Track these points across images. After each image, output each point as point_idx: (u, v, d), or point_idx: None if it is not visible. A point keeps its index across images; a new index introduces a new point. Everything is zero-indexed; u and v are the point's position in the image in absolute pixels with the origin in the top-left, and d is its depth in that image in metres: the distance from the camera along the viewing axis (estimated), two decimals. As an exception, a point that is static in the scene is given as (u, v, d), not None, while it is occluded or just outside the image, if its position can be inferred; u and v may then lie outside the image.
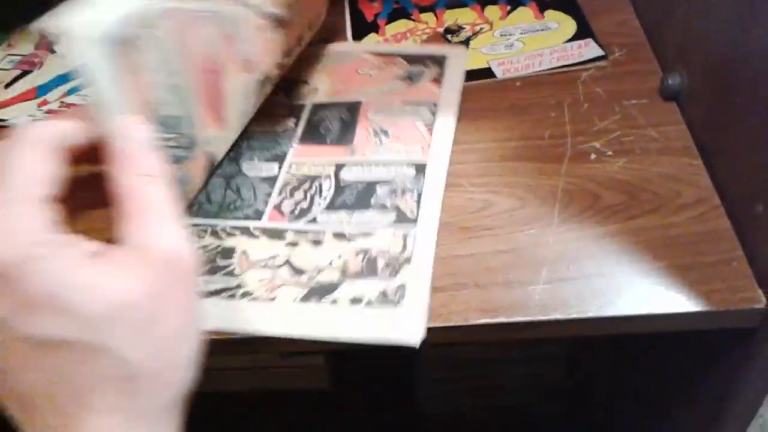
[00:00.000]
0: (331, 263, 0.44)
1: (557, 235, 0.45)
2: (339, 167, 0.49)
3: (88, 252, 0.28)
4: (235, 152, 0.51)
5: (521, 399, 0.97)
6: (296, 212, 0.47)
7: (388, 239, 0.45)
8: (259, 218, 0.47)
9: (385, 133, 0.52)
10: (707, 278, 0.41)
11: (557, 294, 0.41)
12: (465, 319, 0.41)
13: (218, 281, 0.43)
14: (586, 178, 0.48)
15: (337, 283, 0.43)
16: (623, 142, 0.50)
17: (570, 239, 0.44)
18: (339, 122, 0.53)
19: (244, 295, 0.42)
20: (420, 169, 0.49)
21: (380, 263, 0.43)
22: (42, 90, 0.58)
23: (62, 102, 0.56)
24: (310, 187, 0.48)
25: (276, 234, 0.46)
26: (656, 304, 0.41)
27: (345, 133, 0.52)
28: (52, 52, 0.61)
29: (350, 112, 0.53)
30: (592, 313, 0.40)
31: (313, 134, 0.52)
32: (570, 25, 0.60)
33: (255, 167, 0.50)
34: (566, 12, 0.61)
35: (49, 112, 0.55)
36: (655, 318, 0.40)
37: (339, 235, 0.45)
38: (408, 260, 0.43)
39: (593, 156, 0.49)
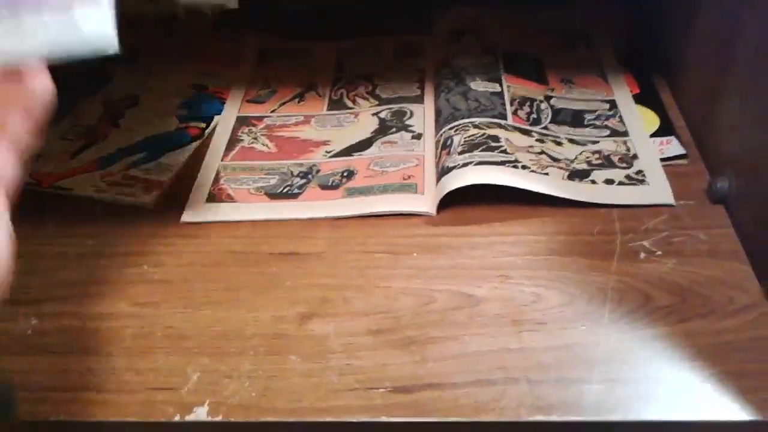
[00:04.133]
0: (576, 158, 0.56)
1: (608, 335, 0.45)
2: (548, 97, 0.62)
3: None
4: (456, 77, 0.63)
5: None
6: (530, 120, 0.59)
7: (612, 145, 0.58)
8: (505, 119, 0.58)
9: (570, 81, 0.65)
10: (761, 387, 0.42)
11: (611, 394, 0.42)
12: (518, 414, 0.41)
13: (498, 156, 0.54)
14: (636, 277, 0.49)
15: (588, 170, 0.55)
16: (672, 242, 0.51)
17: (621, 339, 0.45)
18: (533, 63, 0.67)
19: (524, 167, 0.54)
20: (612, 103, 0.62)
21: (614, 159, 0.56)
22: (104, 161, 0.60)
23: (124, 174, 0.58)
24: (531, 105, 0.61)
25: (524, 132, 0.58)
26: (711, 411, 0.41)
27: (539, 74, 0.66)
28: (115, 126, 0.64)
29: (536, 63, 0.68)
30: (648, 417, 0.40)
31: (513, 69, 0.65)
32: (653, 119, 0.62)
33: (481, 85, 0.62)
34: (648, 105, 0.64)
35: (112, 183, 0.58)
36: (711, 426, 0.40)
37: (572, 141, 0.58)
38: (635, 156, 0.57)
39: (642, 255, 0.50)
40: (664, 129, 0.61)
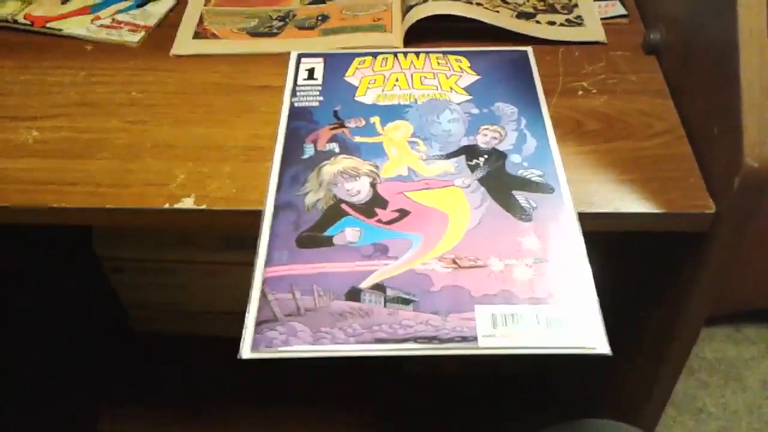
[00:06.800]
0: (524, 3, 0.63)
1: (544, 151, 0.52)
2: None
3: None
4: None
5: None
6: None
7: None
8: None
9: None
10: (668, 189, 0.49)
11: (540, 194, 0.49)
12: (461, 209, 0.48)
13: None
14: (571, 109, 0.55)
15: (534, 13, 0.63)
16: (607, 83, 0.57)
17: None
18: None
19: (478, 4, 0.60)
20: None
21: (557, 6, 0.64)
22: (95, 8, 0.64)
23: (113, 19, 0.63)
24: None
25: None
26: (624, 204, 0.48)
27: None
28: (104, -22, 0.68)
29: None
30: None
31: None
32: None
33: None
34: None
35: (101, 26, 0.62)
36: (623, 216, 0.48)
37: None
38: (576, 5, 0.64)
39: (580, 92, 0.57)
40: (610, -7, 0.67)
